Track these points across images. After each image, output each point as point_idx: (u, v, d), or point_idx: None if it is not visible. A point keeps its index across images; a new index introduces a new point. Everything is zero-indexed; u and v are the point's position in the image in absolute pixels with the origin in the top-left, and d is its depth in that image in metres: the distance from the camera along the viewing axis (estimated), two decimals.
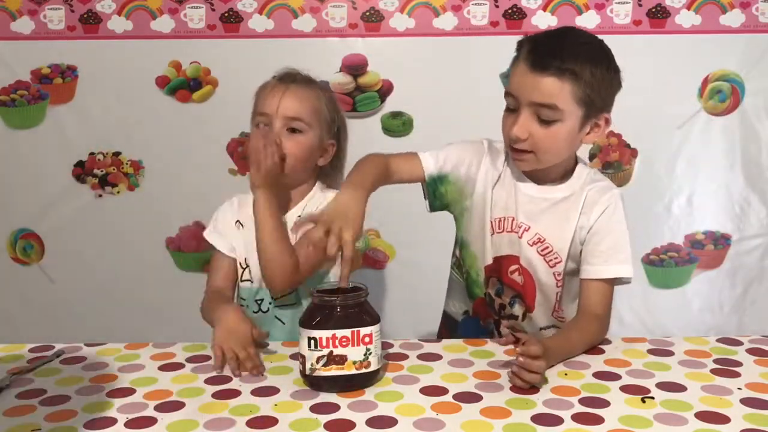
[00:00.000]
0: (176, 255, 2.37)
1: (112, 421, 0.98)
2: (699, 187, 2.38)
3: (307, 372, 1.06)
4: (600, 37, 1.31)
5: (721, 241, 2.41)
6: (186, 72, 2.30)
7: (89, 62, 2.30)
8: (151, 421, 0.98)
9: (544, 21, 2.27)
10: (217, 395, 1.06)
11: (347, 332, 1.05)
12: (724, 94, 2.31)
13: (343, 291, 1.10)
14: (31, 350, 1.25)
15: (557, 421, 0.97)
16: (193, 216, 2.32)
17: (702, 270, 2.43)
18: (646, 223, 2.34)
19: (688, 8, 2.27)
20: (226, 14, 2.27)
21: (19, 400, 1.05)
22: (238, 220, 1.46)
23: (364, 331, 1.06)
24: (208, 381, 1.11)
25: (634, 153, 2.35)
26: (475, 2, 2.26)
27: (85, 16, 2.28)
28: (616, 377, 1.11)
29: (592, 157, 2.34)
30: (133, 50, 2.28)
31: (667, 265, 2.41)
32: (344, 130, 1.50)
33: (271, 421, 0.97)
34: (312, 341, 1.05)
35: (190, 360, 1.20)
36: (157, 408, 1.02)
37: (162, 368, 1.16)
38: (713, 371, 1.14)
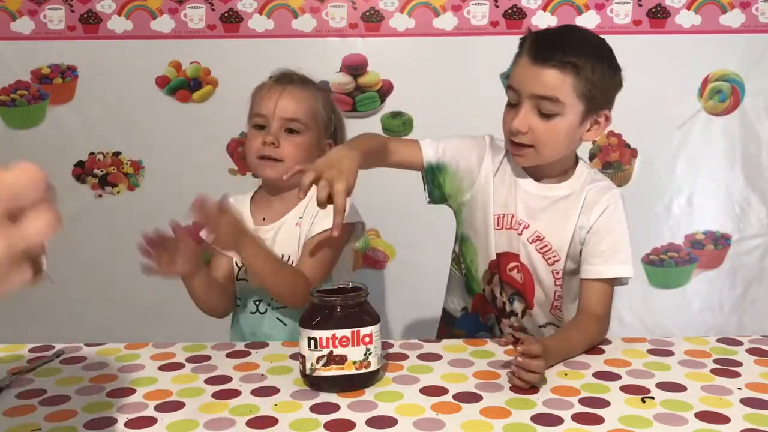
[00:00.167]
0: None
1: (112, 421, 0.98)
2: (699, 187, 2.38)
3: (307, 372, 1.06)
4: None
5: (721, 241, 2.41)
6: (186, 72, 2.30)
7: (89, 62, 2.30)
8: (151, 421, 0.98)
9: (544, 21, 2.27)
10: (217, 395, 1.06)
11: (347, 332, 1.05)
12: (724, 94, 2.31)
13: (343, 291, 1.10)
14: (31, 350, 1.25)
15: (557, 421, 0.97)
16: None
17: (702, 270, 2.43)
18: (646, 223, 2.34)
19: (688, 8, 2.27)
20: (226, 14, 2.27)
21: (19, 400, 1.05)
22: None
23: (364, 331, 1.06)
24: (208, 381, 1.11)
25: (634, 153, 2.35)
26: (475, 2, 2.26)
27: (85, 16, 2.28)
28: (616, 377, 1.11)
29: (592, 157, 2.34)
30: (133, 50, 2.28)
31: (667, 265, 2.41)
32: (341, 130, 1.50)
33: (271, 421, 0.97)
34: (312, 341, 1.05)
35: (190, 360, 1.20)
36: (157, 408, 1.02)
37: (162, 368, 1.16)
38: (713, 371, 1.14)
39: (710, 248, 2.41)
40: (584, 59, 1.24)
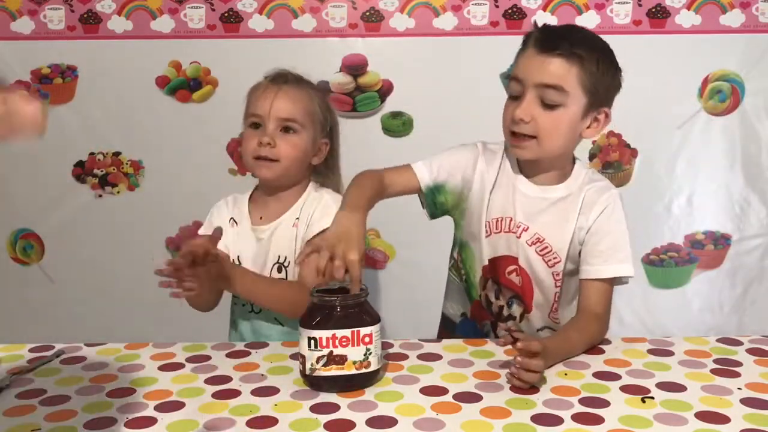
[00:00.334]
0: (176, 255, 2.36)
1: (112, 421, 0.98)
2: (699, 187, 2.38)
3: (307, 372, 1.06)
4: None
5: (721, 241, 2.41)
6: (186, 72, 2.30)
7: (89, 62, 2.30)
8: (151, 421, 0.98)
9: (544, 21, 2.26)
10: (217, 395, 1.06)
11: (347, 332, 1.05)
12: (724, 94, 2.31)
13: (343, 291, 1.10)
14: (31, 350, 1.25)
15: (557, 421, 0.97)
16: (193, 216, 2.31)
17: (702, 270, 2.42)
18: (646, 223, 2.34)
19: (688, 8, 2.27)
20: (226, 14, 2.27)
21: (19, 400, 1.05)
22: (232, 218, 1.47)
23: (364, 331, 1.06)
24: (208, 381, 1.11)
25: (634, 153, 2.35)
26: (475, 2, 2.26)
27: (85, 16, 2.28)
28: (616, 377, 1.11)
29: (592, 157, 2.34)
30: (133, 50, 2.28)
31: (667, 265, 2.41)
32: (337, 129, 1.50)
33: (271, 421, 0.97)
34: (312, 341, 1.05)
35: (190, 360, 1.20)
36: (157, 408, 1.02)
37: (162, 368, 1.16)
38: (713, 371, 1.14)
39: (710, 248, 2.41)
40: (590, 52, 1.26)
